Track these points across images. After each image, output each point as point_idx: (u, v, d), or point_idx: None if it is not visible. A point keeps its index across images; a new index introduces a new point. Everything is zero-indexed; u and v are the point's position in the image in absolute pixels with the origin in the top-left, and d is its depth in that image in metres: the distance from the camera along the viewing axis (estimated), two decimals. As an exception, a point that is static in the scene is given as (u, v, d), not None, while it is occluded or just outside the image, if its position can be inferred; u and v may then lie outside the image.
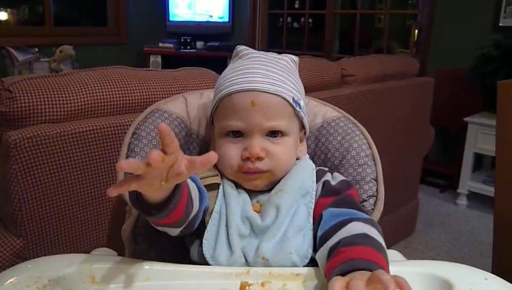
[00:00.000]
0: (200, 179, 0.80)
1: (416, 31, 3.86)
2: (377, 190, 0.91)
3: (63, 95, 1.27)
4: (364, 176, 0.92)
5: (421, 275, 0.66)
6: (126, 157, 0.88)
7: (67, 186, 1.27)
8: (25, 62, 3.76)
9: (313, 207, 0.80)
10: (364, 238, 0.66)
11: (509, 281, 0.65)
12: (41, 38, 4.22)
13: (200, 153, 0.95)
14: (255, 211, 0.79)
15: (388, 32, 4.18)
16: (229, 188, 0.81)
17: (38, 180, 1.21)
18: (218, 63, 3.84)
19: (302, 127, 0.88)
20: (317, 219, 0.77)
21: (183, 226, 0.72)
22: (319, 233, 0.73)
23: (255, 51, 0.88)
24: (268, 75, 0.80)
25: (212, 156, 0.58)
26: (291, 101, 0.81)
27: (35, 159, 1.19)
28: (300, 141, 0.88)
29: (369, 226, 0.68)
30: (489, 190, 3.08)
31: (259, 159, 0.78)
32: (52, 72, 3.42)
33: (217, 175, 0.83)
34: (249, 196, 0.82)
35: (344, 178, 0.87)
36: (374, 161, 0.93)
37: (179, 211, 0.66)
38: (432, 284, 0.65)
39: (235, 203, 0.79)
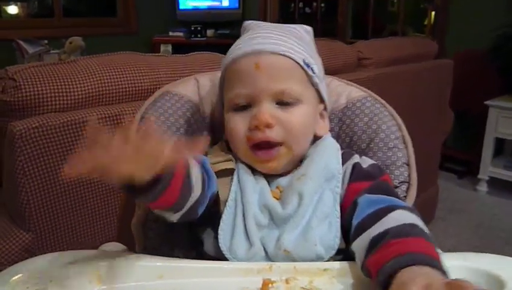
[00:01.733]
0: (212, 164, 0.73)
1: (433, 12, 3.74)
2: (409, 175, 0.84)
3: (70, 83, 1.22)
4: (395, 160, 0.84)
5: (465, 269, 0.59)
6: None
7: (76, 178, 1.21)
8: (35, 54, 3.73)
9: (339, 192, 0.72)
10: (414, 228, 0.59)
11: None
12: (51, 30, 4.20)
13: (212, 138, 0.89)
14: (274, 197, 0.72)
15: (403, 16, 4.06)
16: (244, 173, 0.74)
17: (46, 172, 1.16)
18: (229, 50, 3.78)
19: (321, 100, 0.80)
20: (349, 206, 0.69)
21: (181, 212, 0.65)
22: (355, 221, 0.65)
23: (263, 22, 0.81)
24: (274, 37, 0.73)
25: (202, 139, 0.53)
26: (301, 62, 0.73)
27: (42, 149, 1.14)
28: (321, 116, 0.80)
29: (414, 216, 0.62)
30: (510, 176, 2.99)
31: (268, 127, 0.70)
32: (62, 63, 3.39)
33: (231, 160, 0.76)
34: (268, 181, 0.75)
35: (374, 162, 0.79)
36: (404, 143, 0.86)
37: (171, 195, 0.59)
38: (479, 280, 0.57)
39: (251, 189, 0.72)
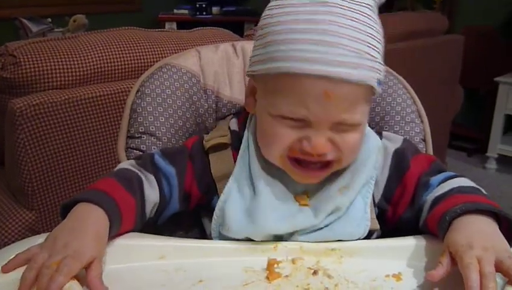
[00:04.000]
0: (206, 141, 0.70)
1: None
2: (426, 151, 0.80)
3: (71, 59, 1.20)
4: (413, 136, 0.80)
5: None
6: (129, 119, 0.80)
7: (78, 155, 1.20)
8: (39, 33, 3.70)
9: (370, 197, 0.67)
10: (476, 189, 0.63)
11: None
12: (54, 8, 4.14)
13: (216, 111, 0.85)
14: (303, 205, 0.65)
15: (412, -9, 3.97)
16: (261, 175, 0.66)
17: (47, 149, 1.15)
18: (235, 27, 3.70)
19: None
20: (417, 192, 0.66)
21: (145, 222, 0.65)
22: (425, 198, 0.65)
23: None
24: (353, 49, 0.57)
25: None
26: (376, 85, 0.60)
27: (43, 127, 1.12)
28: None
29: (473, 183, 0.65)
30: (520, 153, 2.95)
31: (322, 155, 0.61)
32: (66, 41, 3.36)
33: (226, 135, 0.70)
34: (292, 182, 0.66)
35: (399, 136, 0.74)
36: (420, 118, 0.82)
37: (124, 231, 0.60)
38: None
39: (269, 202, 0.64)
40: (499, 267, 0.49)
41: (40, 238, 0.58)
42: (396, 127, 0.81)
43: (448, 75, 2.52)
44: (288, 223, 0.62)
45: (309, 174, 0.63)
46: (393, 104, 0.82)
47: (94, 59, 1.23)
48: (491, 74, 3.02)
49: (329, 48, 0.56)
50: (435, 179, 0.66)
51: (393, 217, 0.68)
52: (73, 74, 1.19)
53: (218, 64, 0.85)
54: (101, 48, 1.25)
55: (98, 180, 0.62)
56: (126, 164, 0.67)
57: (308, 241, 0.62)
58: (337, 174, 0.66)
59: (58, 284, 0.47)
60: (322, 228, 0.63)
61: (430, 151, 0.80)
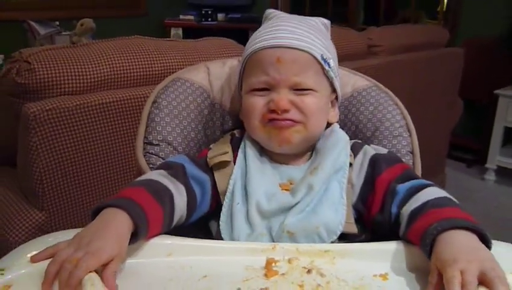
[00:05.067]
0: (210, 158, 0.79)
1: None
2: (413, 163, 0.87)
3: (83, 66, 1.25)
4: (400, 149, 0.87)
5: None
6: (146, 127, 0.86)
7: (88, 159, 1.25)
8: (46, 36, 3.75)
9: (345, 182, 0.76)
10: (450, 200, 0.68)
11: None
12: (62, 11, 4.20)
13: (222, 124, 0.92)
14: (285, 190, 0.76)
15: (415, 1, 4.03)
16: (254, 165, 0.78)
17: (59, 153, 1.20)
18: (240, 35, 3.74)
19: (333, 91, 0.83)
20: (385, 197, 0.73)
21: (172, 227, 0.71)
22: (394, 210, 0.71)
23: (284, 13, 0.85)
24: (295, 32, 0.77)
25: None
26: (319, 58, 0.77)
27: (55, 131, 1.17)
28: (332, 105, 0.85)
29: (445, 192, 0.70)
30: (519, 165, 2.98)
31: (285, 111, 0.75)
32: (74, 45, 3.41)
33: (227, 153, 0.80)
34: (279, 174, 0.79)
35: (385, 149, 0.83)
36: (409, 131, 0.88)
37: (152, 235, 0.65)
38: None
39: (258, 182, 0.76)
40: (482, 279, 0.53)
41: (49, 237, 0.64)
42: (385, 141, 0.88)
43: (448, 87, 2.57)
44: (272, 201, 0.74)
45: (283, 134, 0.76)
46: (383, 119, 0.89)
47: (105, 66, 1.28)
48: (492, 86, 3.06)
49: (279, 30, 0.78)
50: (402, 186, 0.72)
51: (368, 220, 0.76)
52: (85, 80, 1.24)
53: (225, 79, 0.92)
54: (112, 55, 1.30)
55: (128, 187, 0.68)
56: (157, 174, 0.73)
57: (295, 224, 0.71)
58: (311, 160, 0.80)
59: (75, 278, 0.52)
60: (306, 211, 0.72)
61: (418, 162, 0.86)
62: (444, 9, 3.76)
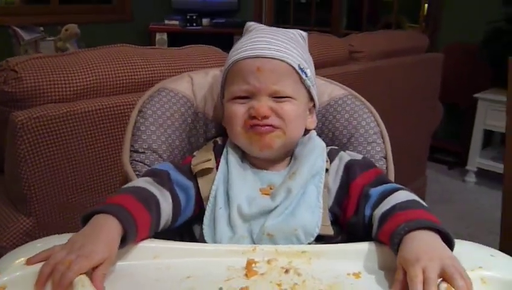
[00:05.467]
0: (193, 165, 0.83)
1: (426, 5, 3.78)
2: (386, 168, 0.91)
3: (69, 75, 1.27)
4: (374, 154, 0.92)
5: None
6: (132, 135, 0.89)
7: (75, 165, 1.27)
8: (31, 41, 3.74)
9: (322, 187, 0.80)
10: (416, 203, 0.72)
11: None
12: (47, 16, 4.20)
13: (205, 132, 0.96)
14: (265, 194, 0.80)
15: (397, 7, 4.10)
16: (235, 171, 0.82)
17: (46, 160, 1.22)
18: (225, 39, 3.79)
19: (311, 99, 0.88)
20: (359, 201, 0.78)
21: (158, 231, 0.74)
22: (368, 212, 0.75)
23: (264, 25, 0.89)
24: (274, 43, 0.82)
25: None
26: (296, 67, 0.82)
27: (42, 138, 1.20)
28: (310, 112, 0.89)
29: (414, 194, 0.74)
30: (498, 167, 3.03)
31: (265, 118, 0.79)
32: (58, 51, 3.41)
33: (210, 160, 0.84)
34: (260, 179, 0.83)
35: (360, 155, 0.88)
36: (382, 138, 0.93)
37: (140, 239, 0.69)
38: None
39: (239, 187, 0.80)
40: (443, 275, 0.57)
41: (38, 243, 0.67)
42: (360, 147, 0.92)
43: (428, 92, 2.63)
44: (253, 205, 0.78)
45: (263, 140, 0.80)
46: (358, 127, 0.94)
47: (91, 75, 1.30)
48: (472, 90, 3.13)
49: (258, 41, 0.82)
50: (375, 190, 0.77)
51: (344, 222, 0.80)
52: (71, 88, 1.26)
53: (207, 89, 0.96)
54: (97, 64, 1.32)
55: (116, 193, 0.72)
56: (142, 181, 0.76)
57: (275, 226, 0.75)
58: (290, 166, 0.84)
59: (67, 279, 0.55)
60: (285, 214, 0.76)
61: (391, 167, 0.91)
62: (425, 13, 3.85)
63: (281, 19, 4.72)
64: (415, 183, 2.72)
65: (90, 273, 0.58)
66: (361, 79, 2.04)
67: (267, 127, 0.79)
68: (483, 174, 3.24)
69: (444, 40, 3.46)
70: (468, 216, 2.80)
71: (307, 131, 0.88)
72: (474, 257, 0.64)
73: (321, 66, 1.88)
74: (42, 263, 0.59)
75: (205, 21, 4.68)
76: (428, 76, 2.56)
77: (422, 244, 0.61)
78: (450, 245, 0.63)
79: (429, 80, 2.58)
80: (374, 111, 0.95)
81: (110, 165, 1.34)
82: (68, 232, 0.66)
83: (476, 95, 3.11)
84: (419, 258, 0.58)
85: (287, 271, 0.64)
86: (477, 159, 3.22)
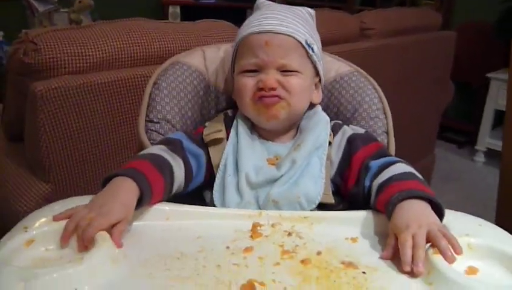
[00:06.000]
0: (205, 135, 0.87)
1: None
2: (388, 142, 0.95)
3: (86, 47, 1.30)
4: (376, 129, 0.96)
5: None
6: (147, 106, 0.94)
7: (91, 135, 1.33)
8: (45, 13, 3.77)
9: (325, 159, 0.85)
10: (412, 175, 0.76)
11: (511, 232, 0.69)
12: (61, -12, 4.20)
13: (216, 104, 1.00)
14: (271, 164, 0.85)
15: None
16: (244, 142, 0.87)
17: (64, 129, 1.27)
18: (237, 14, 3.79)
19: (317, 74, 0.92)
20: (360, 172, 0.82)
21: (171, 195, 0.79)
22: (367, 183, 0.80)
23: (273, 3, 0.92)
24: (282, 19, 0.86)
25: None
26: (303, 42, 0.86)
27: (61, 109, 1.24)
28: (316, 87, 0.93)
29: (411, 167, 0.79)
30: (508, 147, 3.05)
31: (273, 89, 0.83)
32: (72, 22, 3.44)
33: (221, 131, 0.88)
34: (267, 150, 0.87)
35: (363, 130, 0.92)
36: (384, 114, 0.97)
37: (155, 202, 0.74)
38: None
39: (248, 157, 0.85)
40: (430, 239, 0.62)
41: (56, 205, 0.72)
42: (363, 122, 0.97)
43: (439, 70, 2.62)
44: (260, 174, 0.83)
45: (270, 111, 0.85)
46: (362, 102, 0.98)
47: (107, 47, 1.34)
48: (485, 70, 3.11)
49: (268, 17, 0.86)
50: (375, 162, 0.81)
51: (345, 192, 0.85)
52: (88, 60, 1.30)
53: (219, 63, 1.00)
54: (113, 37, 1.35)
55: (134, 159, 0.77)
56: (157, 149, 0.81)
57: (280, 194, 0.80)
58: (295, 138, 0.89)
59: (89, 234, 0.61)
60: (289, 183, 0.81)
61: (392, 142, 0.95)
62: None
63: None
64: (423, 160, 2.74)
65: (110, 230, 0.64)
66: (372, 56, 2.05)
67: (273, 98, 0.84)
68: (492, 155, 3.24)
69: (459, 18, 3.43)
70: (476, 195, 2.82)
71: (312, 105, 0.92)
72: (462, 226, 0.68)
73: (331, 43, 1.89)
74: (66, 220, 0.65)
75: (219, -5, 4.64)
76: (440, 54, 2.56)
77: (412, 213, 0.66)
78: (441, 214, 0.68)
79: (441, 58, 2.58)
80: (378, 88, 0.99)
81: (125, 134, 1.39)
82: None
83: (488, 75, 3.09)
84: (409, 225, 0.63)
85: (289, 234, 0.69)
86: (487, 139, 3.22)
